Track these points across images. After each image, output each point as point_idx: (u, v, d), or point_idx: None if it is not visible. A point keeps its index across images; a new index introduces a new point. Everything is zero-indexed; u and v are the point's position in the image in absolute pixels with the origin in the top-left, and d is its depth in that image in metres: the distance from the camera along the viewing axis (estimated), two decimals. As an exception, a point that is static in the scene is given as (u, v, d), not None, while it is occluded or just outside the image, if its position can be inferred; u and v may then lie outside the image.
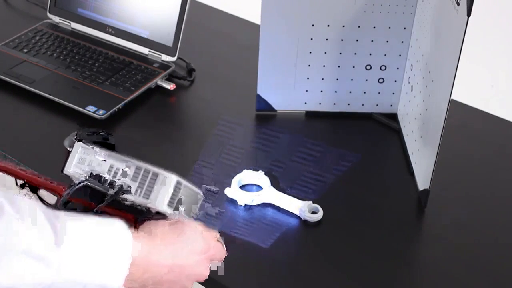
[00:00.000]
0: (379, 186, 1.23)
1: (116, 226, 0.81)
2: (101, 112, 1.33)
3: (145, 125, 1.35)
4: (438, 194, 1.18)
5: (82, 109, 1.34)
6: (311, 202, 1.17)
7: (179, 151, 1.30)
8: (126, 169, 0.89)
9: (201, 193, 0.93)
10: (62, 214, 0.79)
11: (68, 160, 0.93)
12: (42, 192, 1.69)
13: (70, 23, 1.58)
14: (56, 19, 1.60)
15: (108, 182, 0.89)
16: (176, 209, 0.88)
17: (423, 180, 1.19)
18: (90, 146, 0.93)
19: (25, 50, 1.50)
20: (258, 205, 1.18)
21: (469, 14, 0.99)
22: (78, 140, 0.95)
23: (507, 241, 1.15)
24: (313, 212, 1.16)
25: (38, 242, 0.74)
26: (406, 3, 1.28)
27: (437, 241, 1.14)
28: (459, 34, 1.01)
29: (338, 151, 1.30)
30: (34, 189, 1.64)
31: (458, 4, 1.03)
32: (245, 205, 1.18)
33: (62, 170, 0.93)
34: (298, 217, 1.16)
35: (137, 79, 1.43)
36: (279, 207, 1.17)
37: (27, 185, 1.61)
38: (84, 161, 0.92)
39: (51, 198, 1.53)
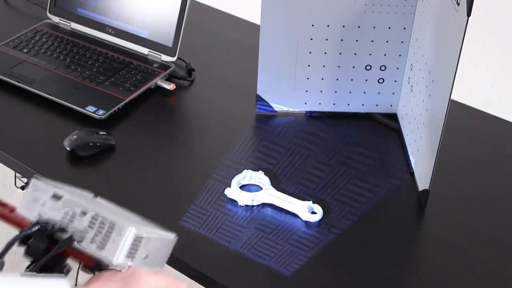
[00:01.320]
0: (379, 186, 1.23)
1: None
2: (101, 112, 1.33)
3: (145, 125, 1.35)
4: (438, 194, 1.18)
5: (82, 109, 1.34)
6: (311, 202, 1.17)
7: (179, 151, 1.30)
8: (82, 215, 0.81)
9: (174, 236, 0.85)
10: None
11: (22, 199, 0.84)
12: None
13: (70, 23, 1.58)
14: (56, 19, 1.60)
15: (58, 228, 0.81)
16: (137, 259, 0.80)
17: (423, 180, 1.19)
18: (48, 185, 0.84)
19: (25, 50, 1.50)
20: (258, 205, 1.18)
21: (469, 14, 0.99)
22: (33, 177, 0.86)
23: (507, 241, 1.15)
24: (313, 212, 1.16)
25: None
26: (406, 3, 1.28)
27: (437, 241, 1.14)
28: (459, 34, 1.01)
29: (339, 150, 1.30)
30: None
31: (458, 4, 1.03)
32: (245, 205, 1.18)
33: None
34: (298, 217, 1.16)
35: (137, 79, 1.43)
36: (279, 207, 1.17)
37: (27, 186, 1.61)
38: (38, 200, 0.83)
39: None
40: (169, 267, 1.11)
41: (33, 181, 0.85)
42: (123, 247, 0.78)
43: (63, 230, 0.81)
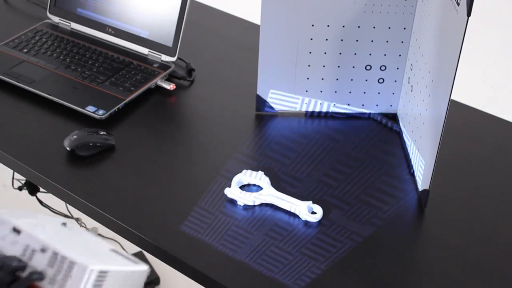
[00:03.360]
0: (379, 186, 1.23)
1: None
2: (101, 112, 1.33)
3: (145, 125, 1.35)
4: (438, 194, 1.18)
5: (82, 109, 1.34)
6: (311, 202, 1.17)
7: (179, 151, 1.30)
8: (42, 251, 0.77)
9: (145, 268, 0.82)
10: None
11: None
12: (41, 194, 1.69)
13: (70, 23, 1.58)
14: (56, 19, 1.60)
15: (16, 266, 0.76)
16: None
17: (423, 180, 1.19)
18: (6, 217, 0.80)
19: (25, 50, 1.50)
20: (258, 205, 1.18)
21: (469, 14, 0.99)
22: None
23: (507, 241, 1.15)
24: (313, 212, 1.16)
25: None
26: (406, 3, 1.28)
27: (437, 241, 1.14)
28: (459, 34, 1.01)
29: (338, 150, 1.30)
30: (32, 191, 1.64)
31: (458, 4, 1.03)
32: (245, 205, 1.18)
33: None
34: (298, 217, 1.16)
35: (137, 79, 1.43)
36: (279, 207, 1.17)
37: (25, 187, 1.61)
38: None
39: (50, 200, 1.53)
40: (168, 267, 1.12)
41: None
42: (84, 287, 0.75)
43: (22, 267, 0.77)
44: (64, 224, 0.83)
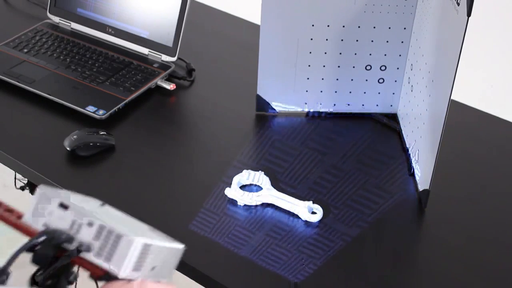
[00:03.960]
0: (379, 186, 1.23)
1: None
2: (101, 112, 1.33)
3: (145, 125, 1.35)
4: (438, 194, 1.18)
5: (82, 109, 1.34)
6: (311, 202, 1.17)
7: (179, 151, 1.30)
8: (88, 225, 0.79)
9: (182, 246, 0.84)
10: None
11: (29, 208, 0.83)
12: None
13: (70, 23, 1.58)
14: (56, 19, 1.60)
15: (65, 239, 0.79)
16: (144, 271, 0.79)
17: (423, 180, 1.19)
18: (54, 192, 0.83)
19: (25, 50, 1.50)
20: (258, 205, 1.18)
21: (469, 14, 0.99)
22: (40, 185, 0.85)
23: (507, 240, 1.15)
24: (313, 212, 1.16)
25: None
26: (406, 3, 1.28)
27: (437, 241, 1.14)
28: (459, 34, 1.01)
29: (338, 150, 1.30)
30: (34, 191, 1.64)
31: (458, 4, 1.03)
32: (245, 205, 1.18)
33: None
34: (298, 217, 1.16)
35: (137, 79, 1.43)
36: (279, 207, 1.17)
37: (27, 187, 1.62)
38: (45, 209, 0.82)
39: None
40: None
41: (39, 190, 0.83)
42: (130, 259, 0.77)
43: (70, 240, 0.80)
44: (102, 204, 0.86)
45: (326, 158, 1.28)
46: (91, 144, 1.25)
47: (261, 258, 1.08)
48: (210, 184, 1.21)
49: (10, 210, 0.88)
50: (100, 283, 0.81)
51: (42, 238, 0.79)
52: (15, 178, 1.63)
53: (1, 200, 0.90)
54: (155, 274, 0.81)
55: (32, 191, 1.63)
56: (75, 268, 0.83)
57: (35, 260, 0.80)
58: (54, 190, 0.83)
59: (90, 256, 0.78)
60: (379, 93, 1.38)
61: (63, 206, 0.81)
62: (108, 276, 0.79)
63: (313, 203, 1.17)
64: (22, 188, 1.64)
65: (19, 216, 0.86)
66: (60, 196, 0.82)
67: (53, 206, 0.82)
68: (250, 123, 1.38)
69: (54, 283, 0.80)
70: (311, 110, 1.40)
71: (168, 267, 0.84)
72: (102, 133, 1.28)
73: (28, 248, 0.79)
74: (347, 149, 1.31)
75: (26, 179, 1.59)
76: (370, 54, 1.34)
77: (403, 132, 1.35)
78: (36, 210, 0.82)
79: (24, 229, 0.86)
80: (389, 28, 1.31)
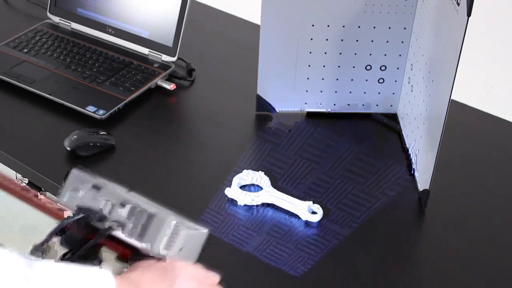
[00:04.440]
0: (379, 186, 1.23)
1: (99, 278, 0.75)
2: (101, 112, 1.33)
3: (145, 125, 1.35)
4: (438, 194, 1.18)
5: (82, 109, 1.34)
6: (311, 202, 1.17)
7: (179, 151, 1.30)
8: (121, 206, 0.83)
9: (206, 231, 0.88)
10: (37, 264, 0.73)
11: (63, 189, 0.87)
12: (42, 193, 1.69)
13: (70, 23, 1.58)
14: (56, 19, 1.60)
15: (99, 218, 0.83)
16: (173, 251, 0.82)
17: (423, 180, 1.19)
18: (86, 175, 0.87)
19: (25, 50, 1.50)
20: (258, 205, 1.18)
21: (469, 14, 0.99)
22: (74, 169, 0.89)
23: (507, 241, 1.15)
24: (313, 213, 1.16)
25: None
26: (406, 3, 1.28)
27: (437, 241, 1.14)
28: (459, 34, 1.01)
29: (339, 150, 1.30)
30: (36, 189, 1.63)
31: (458, 4, 1.03)
32: (245, 205, 1.18)
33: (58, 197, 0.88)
34: (298, 217, 1.16)
35: (137, 79, 1.43)
36: (279, 207, 1.17)
37: (28, 187, 1.61)
38: (79, 191, 0.86)
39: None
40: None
41: (74, 172, 0.87)
42: (161, 237, 0.80)
43: (103, 219, 0.83)
44: (129, 190, 0.88)
45: (326, 158, 1.28)
46: (91, 144, 1.25)
47: (261, 257, 1.08)
48: (210, 184, 1.21)
49: (37, 196, 0.91)
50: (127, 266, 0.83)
51: (78, 216, 0.83)
52: (15, 178, 1.63)
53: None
54: (182, 256, 0.84)
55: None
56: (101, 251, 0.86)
57: (64, 242, 0.84)
58: (86, 174, 0.87)
59: (122, 235, 0.82)
60: (379, 93, 1.38)
61: (96, 187, 0.85)
62: (137, 257, 0.82)
63: (313, 203, 1.17)
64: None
65: (49, 202, 0.89)
66: (93, 178, 0.86)
67: (87, 188, 0.86)
68: (250, 123, 1.38)
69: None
70: (311, 110, 1.40)
71: (194, 250, 0.86)
72: (102, 133, 1.28)
73: (63, 226, 0.82)
74: (347, 149, 1.31)
75: (26, 179, 1.59)
76: (370, 54, 1.34)
77: (403, 132, 1.35)
78: (70, 192, 0.86)
79: (54, 212, 0.89)
80: (389, 28, 1.31)
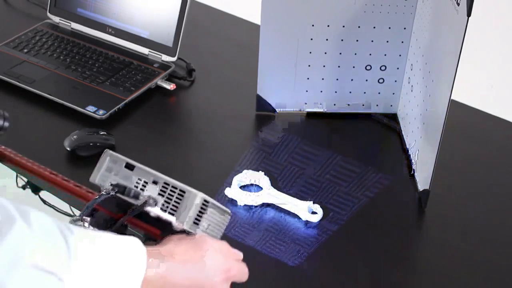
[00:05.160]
0: (379, 186, 1.23)
1: (130, 244, 0.79)
2: (101, 112, 1.33)
3: (145, 125, 1.35)
4: (438, 194, 1.18)
5: (82, 109, 1.34)
6: (311, 202, 1.17)
7: (179, 151, 1.30)
8: (153, 183, 0.87)
9: (230, 211, 0.91)
10: (77, 230, 0.77)
11: (95, 169, 0.91)
12: (44, 194, 1.69)
13: (70, 23, 1.58)
14: (56, 19, 1.60)
15: (133, 194, 0.87)
16: (202, 227, 0.86)
17: (423, 180, 1.19)
18: (119, 155, 0.91)
19: (25, 50, 1.50)
20: (258, 205, 1.18)
21: (469, 14, 0.99)
22: (106, 149, 0.92)
23: (507, 241, 1.15)
24: (313, 213, 1.16)
25: (51, 257, 0.72)
26: (406, 3, 1.28)
27: (437, 241, 1.14)
28: (459, 34, 1.01)
29: (339, 150, 1.30)
30: (35, 190, 1.65)
31: (458, 4, 1.03)
32: (245, 205, 1.18)
33: (89, 178, 0.92)
34: (298, 217, 1.16)
35: (137, 79, 1.43)
36: (279, 207, 1.17)
37: (28, 186, 1.62)
38: (112, 170, 0.90)
39: (53, 199, 1.53)
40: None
41: (107, 152, 0.91)
42: (193, 212, 0.85)
43: (137, 196, 0.87)
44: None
45: (325, 159, 1.28)
46: (91, 144, 1.25)
47: (260, 258, 1.08)
48: (210, 184, 1.21)
49: (67, 180, 0.97)
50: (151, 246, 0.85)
51: (112, 193, 0.86)
52: (16, 177, 1.63)
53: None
54: (209, 232, 0.88)
55: (33, 190, 1.63)
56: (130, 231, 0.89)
57: (95, 223, 0.87)
58: (118, 155, 0.91)
59: (155, 210, 0.86)
60: (379, 93, 1.38)
61: (129, 166, 0.89)
62: (166, 234, 0.86)
63: (313, 203, 1.17)
64: (24, 187, 1.64)
65: (76, 185, 0.96)
66: (126, 159, 0.90)
67: (120, 167, 0.89)
68: (250, 123, 1.38)
69: None
70: (311, 110, 1.40)
71: (219, 228, 0.90)
72: (102, 133, 1.28)
73: (99, 201, 0.86)
74: (347, 149, 1.31)
75: (26, 179, 1.59)
76: (370, 54, 1.34)
77: (403, 132, 1.35)
78: (103, 171, 0.90)
79: (82, 195, 0.91)
80: (389, 28, 1.31)
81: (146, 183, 0.88)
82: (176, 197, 0.86)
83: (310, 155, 1.29)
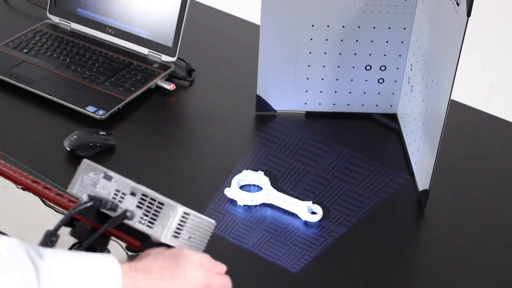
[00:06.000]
0: (379, 186, 1.23)
1: (105, 264, 0.77)
2: (101, 112, 1.33)
3: (145, 125, 1.35)
4: (438, 194, 1.18)
5: (82, 109, 1.34)
6: (311, 202, 1.17)
7: (179, 151, 1.30)
8: (131, 195, 0.86)
9: (213, 222, 0.90)
10: (47, 253, 0.75)
11: (73, 179, 0.90)
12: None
13: (70, 23, 1.58)
14: (56, 19, 1.60)
15: (110, 207, 0.86)
16: (183, 239, 0.85)
17: (423, 181, 1.19)
18: (97, 166, 0.90)
19: (25, 50, 1.50)
20: (258, 205, 1.18)
21: (469, 14, 0.99)
22: (84, 158, 0.92)
23: (507, 241, 1.15)
24: (313, 213, 1.16)
25: (20, 283, 0.70)
26: (406, 3, 1.28)
27: (436, 241, 1.14)
28: (459, 34, 1.01)
29: (338, 150, 1.30)
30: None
31: (458, 4, 1.03)
32: (245, 205, 1.18)
33: (67, 188, 0.91)
34: (298, 218, 1.16)
35: (137, 80, 1.43)
36: (279, 207, 1.17)
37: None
38: (89, 181, 0.89)
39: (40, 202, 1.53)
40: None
41: (85, 162, 0.90)
42: (171, 225, 0.83)
43: (114, 208, 0.86)
44: (137, 183, 0.91)
45: (325, 159, 1.28)
46: (91, 144, 1.25)
47: (260, 258, 1.08)
48: (210, 184, 1.21)
49: (48, 188, 0.95)
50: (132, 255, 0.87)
51: (89, 204, 0.85)
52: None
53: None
54: (190, 245, 0.87)
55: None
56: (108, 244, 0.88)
57: (74, 233, 0.87)
58: (96, 164, 0.90)
59: (133, 223, 0.84)
60: (379, 93, 1.38)
61: (107, 177, 0.88)
62: (147, 246, 0.85)
63: (313, 203, 1.17)
64: (23, 188, 1.64)
65: (58, 193, 0.94)
66: (104, 169, 0.89)
67: (98, 177, 0.88)
68: (250, 123, 1.38)
69: None
70: (311, 110, 1.40)
71: (201, 240, 0.89)
72: (102, 133, 1.28)
73: (74, 214, 0.85)
74: (347, 149, 1.31)
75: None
76: (370, 54, 1.34)
77: (403, 132, 1.35)
78: (81, 181, 0.89)
79: (63, 204, 0.93)
80: (389, 28, 1.31)
81: (124, 194, 0.86)
82: (155, 209, 0.84)
83: (310, 155, 1.29)
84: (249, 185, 1.22)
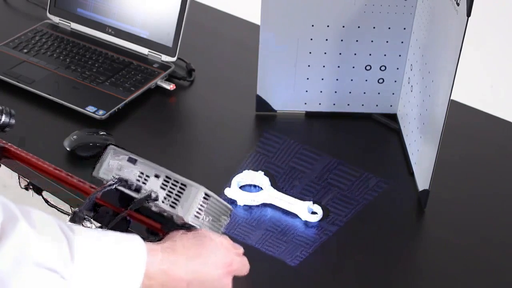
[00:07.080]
0: (379, 186, 1.23)
1: (131, 242, 0.80)
2: (101, 112, 1.33)
3: (145, 125, 1.35)
4: (438, 194, 1.18)
5: (82, 109, 1.34)
6: (311, 202, 1.17)
7: (179, 151, 1.30)
8: (155, 177, 0.89)
9: (231, 207, 0.92)
10: (77, 229, 0.78)
11: (98, 164, 0.93)
12: (46, 194, 1.69)
13: (70, 23, 1.58)
14: (56, 19, 1.60)
15: (135, 188, 0.89)
16: (203, 220, 0.87)
17: (423, 180, 1.19)
18: (121, 150, 0.92)
19: (25, 51, 1.50)
20: (258, 205, 1.18)
21: (469, 14, 0.99)
22: (109, 144, 0.94)
23: (507, 241, 1.15)
24: (313, 213, 1.16)
25: (53, 256, 0.72)
26: (406, 3, 1.28)
27: (436, 241, 1.14)
28: (459, 34, 1.01)
29: (338, 151, 1.30)
30: (38, 191, 1.65)
31: (458, 4, 1.03)
32: (245, 205, 1.18)
33: (92, 173, 0.93)
34: (298, 218, 1.16)
35: (137, 80, 1.43)
36: (279, 207, 1.17)
37: (31, 186, 1.62)
38: (114, 165, 0.92)
39: (55, 199, 1.54)
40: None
41: (110, 147, 0.93)
42: (194, 205, 0.86)
43: (139, 189, 0.88)
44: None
45: (325, 159, 1.28)
46: (91, 144, 1.25)
47: (259, 258, 1.08)
48: (210, 184, 1.20)
49: (70, 175, 0.99)
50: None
51: (116, 184, 0.89)
52: (18, 177, 1.63)
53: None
54: (210, 226, 0.89)
55: (36, 191, 1.63)
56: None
57: (98, 217, 0.90)
58: (121, 149, 0.92)
59: (156, 204, 0.87)
60: (379, 93, 1.38)
61: (132, 160, 0.91)
62: (167, 227, 0.88)
63: (313, 203, 1.17)
64: (27, 188, 1.64)
65: (80, 180, 0.97)
66: (128, 153, 0.91)
67: (123, 161, 0.91)
68: (250, 123, 1.38)
69: None
70: (311, 110, 1.40)
71: (219, 223, 0.91)
72: (102, 133, 1.28)
73: (103, 191, 0.89)
74: (347, 149, 1.31)
75: (27, 179, 1.59)
76: (370, 54, 1.34)
77: (403, 132, 1.35)
78: (107, 165, 0.92)
79: (85, 189, 0.96)
80: (389, 28, 1.31)
81: (148, 177, 0.89)
82: (178, 191, 0.87)
83: (310, 155, 1.29)
84: (249, 185, 1.22)
